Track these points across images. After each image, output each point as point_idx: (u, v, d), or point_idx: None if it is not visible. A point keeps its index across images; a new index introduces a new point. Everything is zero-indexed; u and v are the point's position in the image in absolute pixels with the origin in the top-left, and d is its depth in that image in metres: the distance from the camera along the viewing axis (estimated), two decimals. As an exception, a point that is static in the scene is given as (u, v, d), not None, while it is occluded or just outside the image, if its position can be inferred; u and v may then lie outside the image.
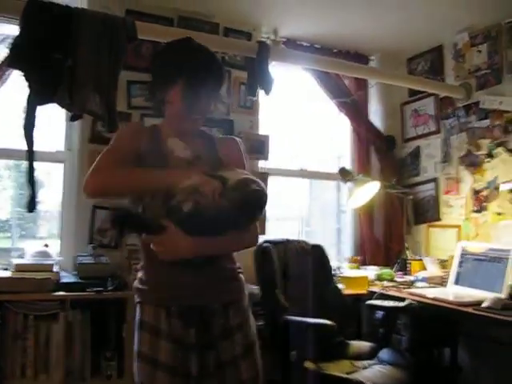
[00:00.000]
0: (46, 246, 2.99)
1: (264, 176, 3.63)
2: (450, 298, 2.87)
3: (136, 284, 1.73)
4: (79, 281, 2.78)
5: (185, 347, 1.63)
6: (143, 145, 1.70)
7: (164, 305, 1.65)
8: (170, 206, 1.53)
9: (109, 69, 2.49)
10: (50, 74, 2.38)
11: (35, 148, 2.43)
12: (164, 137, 1.73)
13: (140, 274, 1.73)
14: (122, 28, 2.54)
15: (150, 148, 1.69)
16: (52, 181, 3.47)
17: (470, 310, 2.63)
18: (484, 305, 2.61)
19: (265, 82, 2.96)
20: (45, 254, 2.89)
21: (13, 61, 2.38)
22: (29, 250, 2.94)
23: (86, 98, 2.44)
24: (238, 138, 1.88)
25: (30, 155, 2.44)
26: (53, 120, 3.25)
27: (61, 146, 3.35)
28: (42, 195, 3.15)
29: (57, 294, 2.67)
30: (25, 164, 2.47)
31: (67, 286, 2.72)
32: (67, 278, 2.84)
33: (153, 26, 2.88)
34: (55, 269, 2.78)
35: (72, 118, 2.65)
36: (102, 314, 2.81)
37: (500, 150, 3.42)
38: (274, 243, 2.95)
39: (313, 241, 3.25)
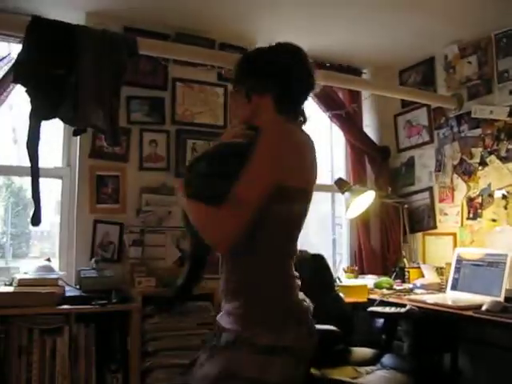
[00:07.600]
0: (49, 260, 3.00)
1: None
2: (449, 302, 2.92)
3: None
4: (83, 294, 2.80)
5: None
6: None
7: None
8: None
9: (111, 84, 2.55)
10: (54, 89, 2.43)
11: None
12: None
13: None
14: (123, 44, 2.61)
15: None
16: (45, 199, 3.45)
17: (469, 313, 2.68)
18: (483, 308, 2.66)
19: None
20: (48, 269, 2.90)
21: (16, 76, 2.44)
22: (26, 268, 2.94)
23: (90, 113, 2.50)
24: None
25: (35, 170, 2.49)
26: (49, 136, 3.27)
27: (58, 162, 3.37)
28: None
29: (62, 307, 2.66)
30: (16, 183, 2.50)
31: (72, 300, 2.72)
32: (71, 292, 2.85)
33: (153, 42, 2.93)
34: (59, 283, 2.80)
35: (75, 133, 2.69)
36: (107, 327, 2.82)
37: (492, 157, 3.50)
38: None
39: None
